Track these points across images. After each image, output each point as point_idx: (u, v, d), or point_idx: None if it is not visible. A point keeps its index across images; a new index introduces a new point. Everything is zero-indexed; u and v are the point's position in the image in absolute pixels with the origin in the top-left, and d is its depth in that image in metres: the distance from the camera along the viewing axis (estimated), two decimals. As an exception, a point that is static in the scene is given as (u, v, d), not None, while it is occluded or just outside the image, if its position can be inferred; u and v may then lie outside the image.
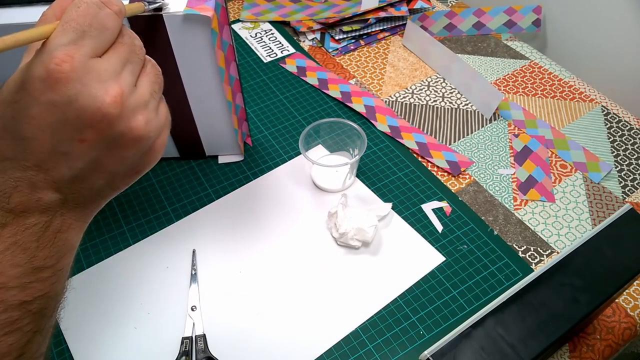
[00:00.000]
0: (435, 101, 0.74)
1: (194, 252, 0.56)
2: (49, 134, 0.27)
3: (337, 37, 0.84)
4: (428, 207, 0.60)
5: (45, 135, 0.27)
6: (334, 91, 0.75)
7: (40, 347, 0.31)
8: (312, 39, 0.85)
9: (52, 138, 0.27)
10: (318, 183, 0.63)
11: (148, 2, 0.47)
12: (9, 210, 0.28)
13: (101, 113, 0.27)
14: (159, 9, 0.47)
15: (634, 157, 0.66)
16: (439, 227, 0.58)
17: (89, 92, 0.27)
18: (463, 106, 0.74)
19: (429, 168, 0.65)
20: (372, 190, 0.62)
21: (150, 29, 0.48)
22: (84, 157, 0.29)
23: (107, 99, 0.27)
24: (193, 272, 0.54)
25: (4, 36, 0.24)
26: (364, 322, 0.51)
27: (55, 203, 0.30)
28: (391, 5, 0.85)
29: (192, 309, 0.51)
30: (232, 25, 0.88)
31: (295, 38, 0.85)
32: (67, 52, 0.26)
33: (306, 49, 0.84)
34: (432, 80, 0.78)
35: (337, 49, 0.83)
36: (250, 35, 0.86)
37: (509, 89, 0.76)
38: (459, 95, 0.75)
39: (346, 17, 0.84)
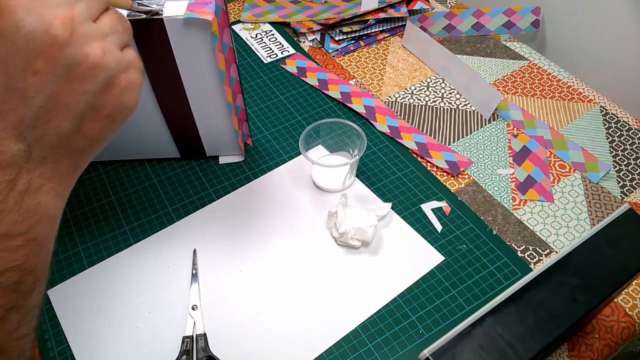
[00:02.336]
0: (434, 102, 0.75)
1: (194, 251, 0.56)
2: (1, 70, 0.26)
3: (337, 38, 0.84)
4: (427, 207, 0.61)
5: None
6: (334, 92, 0.75)
7: (19, 328, 0.29)
8: (312, 40, 0.85)
9: (3, 74, 0.26)
10: (318, 183, 0.63)
11: (139, 2, 0.46)
12: None
13: (50, 36, 0.26)
14: (154, 13, 0.47)
15: (633, 157, 0.67)
16: (439, 226, 0.59)
17: (36, 17, 0.26)
18: (462, 106, 0.74)
19: (429, 168, 0.65)
20: (371, 190, 0.62)
21: (151, 33, 0.48)
22: (40, 92, 0.27)
23: (56, 21, 0.27)
24: (194, 272, 0.54)
25: None
26: (364, 321, 0.51)
27: (20, 156, 0.27)
28: (391, 6, 0.85)
29: (193, 308, 0.51)
30: (233, 26, 0.88)
31: (295, 39, 0.86)
32: None
33: (306, 49, 0.84)
34: (431, 81, 0.78)
35: (337, 50, 0.83)
36: (251, 36, 0.86)
37: (508, 89, 0.77)
38: (458, 96, 0.76)
39: (346, 18, 0.84)
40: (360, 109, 0.72)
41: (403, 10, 0.85)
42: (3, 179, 0.27)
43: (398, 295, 0.53)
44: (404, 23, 0.86)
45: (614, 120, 0.71)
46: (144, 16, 0.47)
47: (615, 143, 0.68)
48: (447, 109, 0.74)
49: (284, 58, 0.82)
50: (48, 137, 0.28)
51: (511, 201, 0.62)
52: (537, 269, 0.39)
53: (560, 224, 0.60)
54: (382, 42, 0.85)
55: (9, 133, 0.27)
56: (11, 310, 0.28)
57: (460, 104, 0.74)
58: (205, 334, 0.49)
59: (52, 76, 0.27)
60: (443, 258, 0.56)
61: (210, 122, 0.60)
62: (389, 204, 0.60)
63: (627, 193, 0.63)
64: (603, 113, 0.73)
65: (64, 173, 0.30)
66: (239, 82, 0.59)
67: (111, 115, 0.31)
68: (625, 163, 0.66)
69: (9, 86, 0.26)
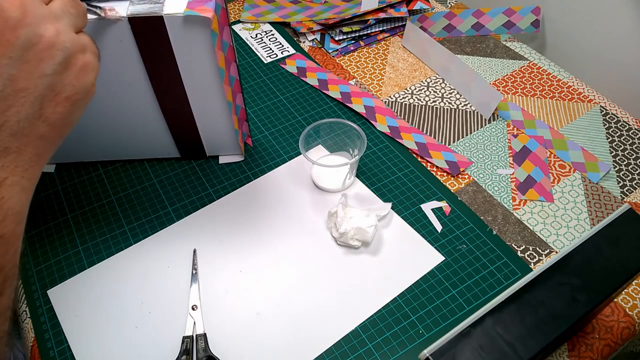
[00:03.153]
0: (434, 102, 0.75)
1: (194, 251, 0.56)
2: None
3: (337, 38, 0.84)
4: (427, 207, 0.61)
5: None
6: (334, 92, 0.75)
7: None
8: (312, 40, 0.85)
9: None
10: (318, 183, 0.63)
11: (88, 3, 0.45)
12: None
13: (1, 18, 0.26)
14: (106, 17, 0.46)
15: (633, 157, 0.67)
16: (438, 226, 0.59)
17: None
18: (462, 106, 0.74)
19: (429, 168, 0.65)
20: (371, 190, 0.62)
21: (151, 30, 0.48)
22: None
23: (5, 3, 0.27)
24: (194, 272, 0.54)
25: None
26: (364, 321, 0.51)
27: None
28: (391, 6, 0.85)
29: (193, 308, 0.51)
30: (233, 26, 0.88)
31: (295, 39, 0.86)
32: None
33: (306, 49, 0.84)
34: (431, 81, 0.78)
35: (337, 50, 0.83)
36: (251, 36, 0.86)
37: (508, 89, 0.77)
38: (458, 96, 0.76)
39: (346, 18, 0.84)
40: (360, 109, 0.72)
41: (403, 10, 0.85)
42: None
43: (398, 295, 0.53)
44: (404, 23, 0.86)
45: (614, 120, 0.71)
46: (155, 13, 0.47)
47: (615, 143, 0.68)
48: (447, 109, 0.74)
49: (284, 58, 0.82)
50: (9, 124, 0.28)
51: (511, 201, 0.62)
52: (537, 269, 0.39)
53: (560, 224, 0.60)
54: (382, 42, 0.85)
55: None
56: None
57: (460, 104, 0.74)
58: (205, 334, 0.49)
59: (8, 59, 0.27)
60: (443, 258, 0.56)
61: (210, 121, 0.60)
62: (389, 204, 0.60)
63: (627, 193, 0.63)
64: (603, 113, 0.73)
65: (27, 164, 0.29)
66: (239, 81, 0.59)
67: (71, 98, 0.31)
68: (625, 163, 0.66)
69: None
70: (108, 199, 0.62)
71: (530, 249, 0.57)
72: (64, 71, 0.30)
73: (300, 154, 0.66)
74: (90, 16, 0.45)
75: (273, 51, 0.83)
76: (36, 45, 0.28)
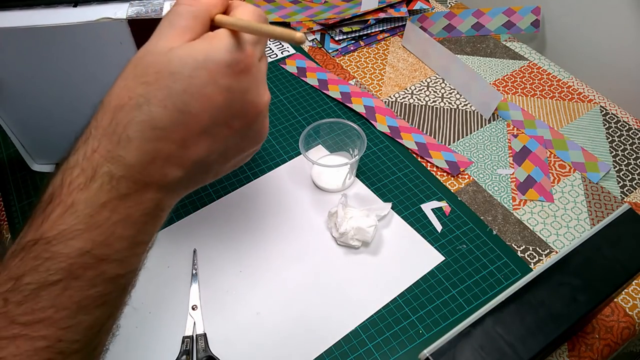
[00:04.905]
0: (434, 102, 0.75)
1: (194, 251, 0.56)
2: (209, 114, 0.28)
3: (337, 38, 0.84)
4: (427, 207, 0.61)
5: (206, 114, 0.28)
6: (334, 92, 0.75)
7: (115, 323, 0.32)
8: (312, 40, 0.85)
9: (210, 118, 0.28)
10: (318, 183, 0.63)
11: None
12: (136, 180, 0.28)
13: (258, 109, 0.31)
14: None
15: (633, 157, 0.67)
16: (439, 226, 0.59)
17: (257, 88, 0.30)
18: (462, 106, 0.74)
19: (429, 168, 0.65)
20: (371, 190, 0.62)
21: (150, 32, 0.48)
22: (223, 142, 0.30)
23: (265, 98, 0.31)
24: (194, 272, 0.54)
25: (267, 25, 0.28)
26: (364, 321, 0.51)
27: (174, 182, 0.29)
28: (391, 6, 0.85)
29: (193, 308, 0.51)
30: (232, 26, 0.88)
31: (295, 39, 0.86)
32: (252, 50, 0.29)
33: (306, 49, 0.84)
34: (431, 81, 0.78)
35: (337, 50, 0.83)
36: (250, 36, 0.86)
37: (508, 89, 0.77)
38: (458, 96, 0.76)
39: (346, 18, 0.84)
40: (360, 109, 0.72)
41: (403, 10, 0.85)
42: (155, 197, 0.29)
43: (398, 295, 0.53)
44: (404, 23, 0.86)
45: (614, 120, 0.71)
46: (154, 15, 0.47)
47: (615, 143, 0.68)
48: (447, 109, 0.74)
49: (284, 58, 0.82)
50: (200, 175, 0.31)
51: (511, 201, 0.62)
52: (537, 269, 0.39)
53: (560, 224, 0.60)
54: (382, 42, 0.85)
55: (179, 162, 0.29)
56: (118, 307, 0.31)
57: (460, 104, 0.74)
58: (205, 334, 0.49)
59: (237, 135, 0.31)
60: (443, 258, 0.56)
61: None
62: (389, 204, 0.60)
63: (627, 193, 0.63)
64: (603, 113, 0.73)
65: (183, 195, 0.33)
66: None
67: (234, 167, 0.35)
68: (625, 163, 0.66)
69: (206, 129, 0.29)
70: (108, 199, 0.62)
71: (530, 249, 0.57)
72: (250, 156, 0.35)
73: (300, 154, 0.66)
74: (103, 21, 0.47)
75: (273, 51, 0.83)
76: (258, 133, 0.32)
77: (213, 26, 0.30)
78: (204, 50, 0.28)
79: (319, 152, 0.66)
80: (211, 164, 0.31)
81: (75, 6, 0.49)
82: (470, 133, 0.70)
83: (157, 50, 0.29)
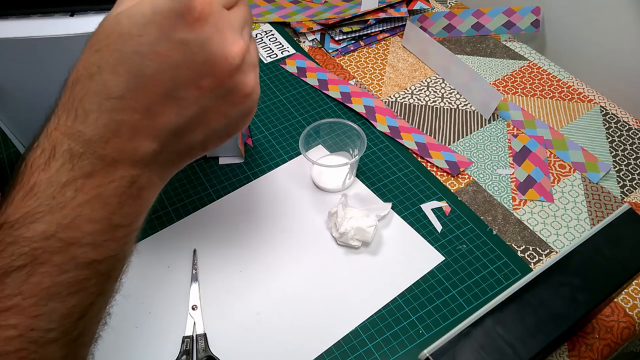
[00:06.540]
0: (434, 102, 0.75)
1: (194, 251, 0.56)
2: (169, 75, 0.26)
3: (337, 38, 0.84)
4: (427, 207, 0.61)
5: (165, 75, 0.26)
6: (334, 92, 0.75)
7: (101, 311, 0.30)
8: (312, 40, 0.85)
9: (171, 79, 0.26)
10: (318, 183, 0.63)
11: None
12: (100, 157, 0.26)
13: (227, 62, 0.27)
14: None
15: (633, 157, 0.67)
16: (439, 226, 0.59)
17: (221, 38, 0.27)
18: (462, 107, 0.74)
19: (429, 168, 0.65)
20: (372, 190, 0.62)
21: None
22: (194, 106, 0.28)
23: (235, 48, 0.27)
24: (194, 272, 0.54)
25: None
26: (364, 321, 0.51)
27: (149, 156, 0.27)
28: (391, 6, 0.85)
29: (193, 308, 0.51)
30: (232, 26, 0.88)
31: (295, 39, 0.86)
32: None
33: (306, 49, 0.84)
34: (431, 81, 0.78)
35: (337, 50, 0.83)
36: (251, 36, 0.86)
37: (508, 89, 0.77)
38: (458, 96, 0.76)
39: (346, 18, 0.84)
40: (360, 109, 0.72)
41: (403, 10, 0.85)
42: (127, 174, 0.27)
43: (398, 295, 0.53)
44: (404, 23, 0.86)
45: (614, 120, 0.71)
46: None
47: (615, 143, 0.68)
48: (447, 109, 0.74)
49: (284, 58, 0.82)
50: (180, 146, 0.29)
51: (511, 201, 0.62)
52: (537, 269, 0.39)
53: (560, 224, 0.60)
54: (382, 42, 0.85)
55: (150, 132, 0.27)
56: (100, 295, 0.29)
57: (460, 104, 0.74)
58: (205, 334, 0.49)
59: (211, 94, 0.28)
60: (443, 258, 0.56)
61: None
62: (389, 204, 0.60)
63: (627, 193, 0.63)
64: (603, 113, 0.73)
65: (173, 171, 0.31)
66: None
67: (230, 135, 0.32)
68: (625, 163, 0.66)
69: (170, 92, 0.27)
70: (108, 199, 0.62)
71: (530, 249, 0.57)
72: (243, 119, 0.31)
73: (300, 154, 0.66)
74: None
75: (273, 51, 0.83)
76: (238, 90, 0.29)
77: None
78: (150, 2, 0.25)
79: (319, 152, 0.66)
80: (190, 132, 0.29)
81: (71, 15, 0.48)
82: (470, 133, 0.70)
83: (111, 14, 0.27)
